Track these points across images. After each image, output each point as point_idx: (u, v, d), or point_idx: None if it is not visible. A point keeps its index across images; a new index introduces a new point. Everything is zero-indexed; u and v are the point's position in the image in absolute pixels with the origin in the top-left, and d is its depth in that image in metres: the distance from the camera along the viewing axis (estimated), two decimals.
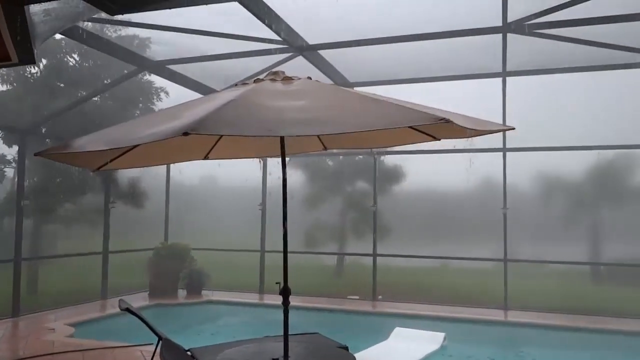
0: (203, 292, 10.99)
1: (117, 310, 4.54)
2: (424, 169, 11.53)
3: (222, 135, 4.36)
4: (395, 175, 12.28)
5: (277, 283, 3.65)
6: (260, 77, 3.59)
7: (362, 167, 12.50)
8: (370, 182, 11.84)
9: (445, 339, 7.54)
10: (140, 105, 11.58)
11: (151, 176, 12.22)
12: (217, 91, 5.32)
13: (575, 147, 9.90)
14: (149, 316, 4.26)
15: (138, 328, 4.34)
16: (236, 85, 3.59)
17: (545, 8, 6.09)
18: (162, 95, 11.73)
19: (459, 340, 8.35)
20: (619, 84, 8.64)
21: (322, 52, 8.14)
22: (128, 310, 4.05)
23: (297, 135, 3.40)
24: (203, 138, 4.36)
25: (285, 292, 3.60)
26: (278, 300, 3.65)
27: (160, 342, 3.93)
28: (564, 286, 10.87)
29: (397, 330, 6.65)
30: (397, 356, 6.42)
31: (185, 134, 2.29)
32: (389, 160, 12.15)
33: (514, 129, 3.28)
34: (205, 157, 4.64)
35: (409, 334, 6.66)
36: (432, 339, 6.58)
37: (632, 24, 6.41)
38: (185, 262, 11.11)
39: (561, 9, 6.02)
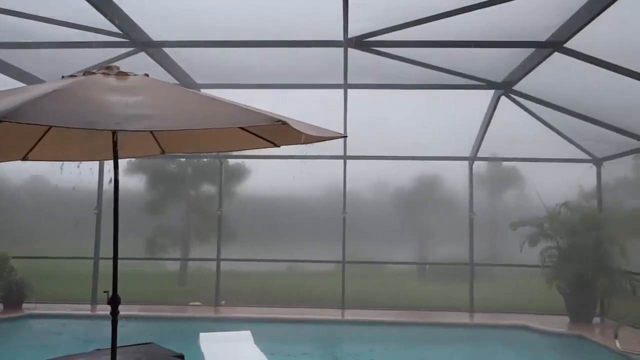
0: (24, 305, 9.84)
1: None
2: (270, 174, 11.73)
3: (45, 134, 3.96)
4: (241, 179, 12.29)
5: (105, 292, 3.41)
6: (93, 70, 3.34)
7: (206, 171, 12.29)
8: (215, 185, 11.70)
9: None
10: None
11: None
12: (44, 82, 4.83)
13: (405, 157, 10.88)
14: None
15: None
16: (63, 77, 3.29)
17: (381, 28, 6.58)
18: None
19: (292, 341, 8.68)
20: (446, 102, 9.64)
21: (168, 50, 7.85)
22: None
23: (126, 130, 3.22)
24: (21, 136, 3.91)
25: (114, 301, 3.37)
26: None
27: None
28: (395, 285, 11.84)
29: (204, 336, 6.58)
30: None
31: None
32: (235, 164, 12.12)
33: (346, 136, 3.49)
34: (24, 158, 4.16)
35: (218, 337, 6.65)
36: (243, 338, 6.68)
37: (458, 50, 7.20)
38: (3, 272, 9.85)
39: (394, 30, 6.55)
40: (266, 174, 11.86)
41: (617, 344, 5.77)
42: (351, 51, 7.38)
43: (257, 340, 6.64)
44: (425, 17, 6.18)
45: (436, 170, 11.82)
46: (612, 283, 9.35)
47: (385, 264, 11.88)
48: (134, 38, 6.96)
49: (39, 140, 4.07)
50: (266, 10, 6.48)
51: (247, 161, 11.96)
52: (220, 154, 11.07)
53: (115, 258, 3.46)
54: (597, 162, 10.74)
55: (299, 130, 2.66)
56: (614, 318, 9.53)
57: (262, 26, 6.85)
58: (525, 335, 9.03)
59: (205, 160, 12.28)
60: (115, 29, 6.64)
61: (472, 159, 11.00)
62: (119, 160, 3.53)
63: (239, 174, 12.24)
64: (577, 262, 9.53)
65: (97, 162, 10.73)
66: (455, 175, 11.42)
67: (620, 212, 10.87)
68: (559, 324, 9.40)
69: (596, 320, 9.76)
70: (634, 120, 8.57)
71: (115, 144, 3.46)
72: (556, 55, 6.80)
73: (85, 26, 6.58)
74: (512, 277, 11.90)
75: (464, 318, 10.09)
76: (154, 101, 2.87)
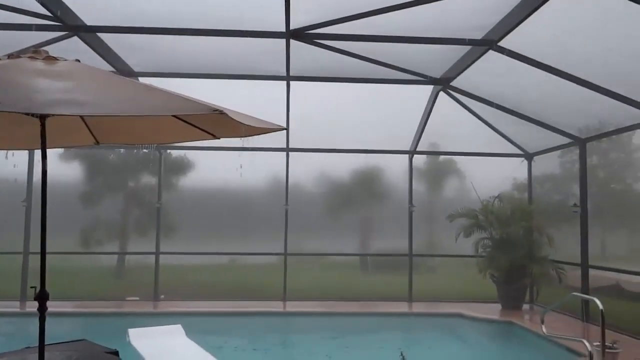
0: None
1: None
2: (211, 167, 11.53)
3: None
4: (181, 171, 12.03)
5: (32, 287, 3.26)
6: (18, 54, 3.16)
7: (147, 162, 11.93)
8: (155, 177, 11.39)
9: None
10: None
11: None
12: None
13: (347, 150, 11.03)
14: None
15: None
16: None
17: (323, 20, 6.60)
18: None
19: (232, 334, 8.64)
20: (387, 96, 9.79)
21: (104, 36, 7.52)
22: None
23: (54, 115, 3.08)
24: None
25: (41, 297, 3.23)
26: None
27: None
28: (338, 276, 11.99)
29: (133, 332, 6.40)
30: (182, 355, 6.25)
31: None
32: (176, 155, 11.84)
33: (286, 129, 3.47)
34: None
35: (148, 333, 6.50)
36: (174, 332, 6.59)
37: (399, 45, 7.30)
38: None
39: (336, 24, 6.58)
40: (208, 166, 11.66)
41: (543, 329, 6.11)
42: (294, 43, 7.36)
43: (196, 334, 6.55)
44: (366, 12, 6.25)
45: (377, 163, 12.02)
46: (540, 271, 9.86)
47: (328, 255, 12.01)
48: (66, 21, 6.62)
49: None
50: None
51: (189, 153, 11.72)
52: (160, 145, 10.77)
53: (43, 252, 3.31)
54: (529, 156, 11.28)
55: (237, 121, 2.63)
56: (542, 304, 10.08)
57: (204, 14, 6.70)
58: (460, 323, 9.39)
59: (145, 151, 11.91)
60: (44, 11, 6.29)
61: (412, 152, 11.27)
62: (50, 150, 3.37)
63: (180, 166, 11.96)
64: (508, 252, 9.99)
65: (27, 152, 10.20)
66: (395, 168, 11.68)
67: (548, 204, 11.47)
68: (492, 311, 9.83)
69: (526, 307, 10.28)
70: (561, 117, 9.04)
71: (43, 129, 3.30)
72: (491, 53, 7.06)
73: (11, 7, 6.20)
74: (449, 267, 12.32)
75: (403, 307, 10.36)
76: (85, 87, 2.75)
